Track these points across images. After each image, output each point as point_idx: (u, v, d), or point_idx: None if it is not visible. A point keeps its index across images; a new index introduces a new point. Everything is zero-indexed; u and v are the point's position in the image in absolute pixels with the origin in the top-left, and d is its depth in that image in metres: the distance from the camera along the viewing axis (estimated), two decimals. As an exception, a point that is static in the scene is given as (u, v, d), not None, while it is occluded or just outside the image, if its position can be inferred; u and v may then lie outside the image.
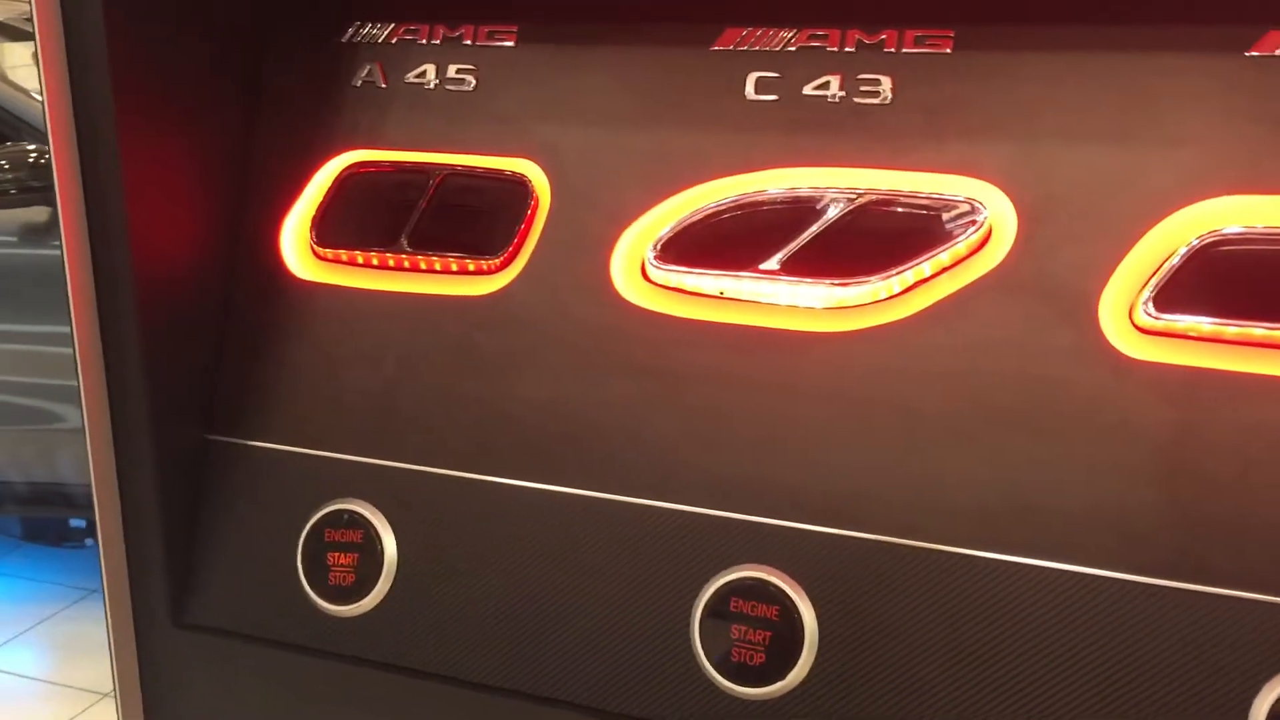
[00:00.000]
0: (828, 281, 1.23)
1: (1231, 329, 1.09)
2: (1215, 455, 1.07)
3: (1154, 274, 1.11)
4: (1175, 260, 1.10)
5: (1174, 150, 1.12)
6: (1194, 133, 1.12)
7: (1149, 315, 1.11)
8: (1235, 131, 1.10)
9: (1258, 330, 1.08)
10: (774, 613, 1.19)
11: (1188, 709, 1.05)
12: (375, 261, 1.41)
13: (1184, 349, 1.11)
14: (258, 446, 1.42)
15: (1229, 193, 1.10)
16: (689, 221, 1.28)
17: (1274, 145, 1.09)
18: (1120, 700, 1.07)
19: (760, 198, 1.27)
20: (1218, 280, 1.10)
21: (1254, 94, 1.10)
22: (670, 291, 1.29)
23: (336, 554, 1.35)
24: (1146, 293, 1.11)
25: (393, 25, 1.43)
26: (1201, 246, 1.10)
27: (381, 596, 1.34)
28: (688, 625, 1.21)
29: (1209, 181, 1.11)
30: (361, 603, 1.34)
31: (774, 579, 1.19)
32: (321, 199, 1.44)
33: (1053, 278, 1.15)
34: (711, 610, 1.20)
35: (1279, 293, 1.08)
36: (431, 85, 1.41)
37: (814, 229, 1.24)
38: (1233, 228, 1.10)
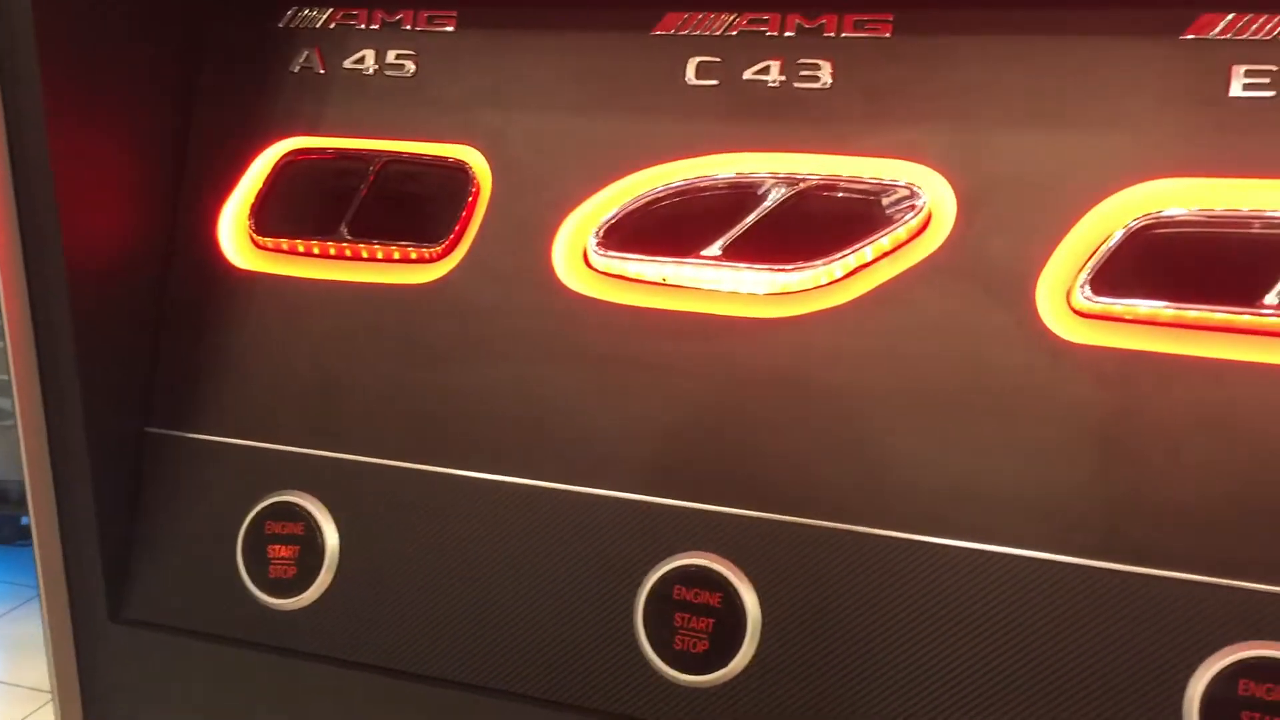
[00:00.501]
0: (770, 267, 1.23)
1: (1167, 311, 1.10)
2: (1149, 437, 1.08)
3: (1090, 257, 1.12)
4: (1111, 244, 1.11)
5: (1110, 134, 1.12)
6: (1129, 117, 1.12)
7: (1086, 298, 1.11)
8: (1170, 115, 1.11)
9: (1192, 312, 1.09)
10: (717, 600, 1.18)
11: (1126, 687, 1.06)
12: (316, 250, 1.40)
13: (1120, 331, 1.11)
14: (197, 439, 1.40)
15: (1164, 176, 1.11)
16: (631, 208, 1.28)
17: (1208, 128, 1.10)
18: (1059, 679, 1.08)
19: (702, 184, 1.26)
20: (1153, 263, 1.11)
21: (1188, 77, 1.10)
22: (613, 278, 1.28)
23: (277, 546, 1.33)
24: (1083, 276, 1.12)
25: (330, 10, 1.41)
26: (1137, 229, 1.10)
27: (323, 589, 1.32)
28: (631, 613, 1.21)
29: (1144, 165, 1.11)
30: (303, 595, 1.32)
31: (717, 566, 1.19)
32: (260, 187, 1.42)
33: (991, 261, 1.15)
34: (655, 598, 1.20)
35: (1213, 275, 1.09)
36: (370, 71, 1.39)
37: (755, 214, 1.24)
38: (1167, 211, 1.10)
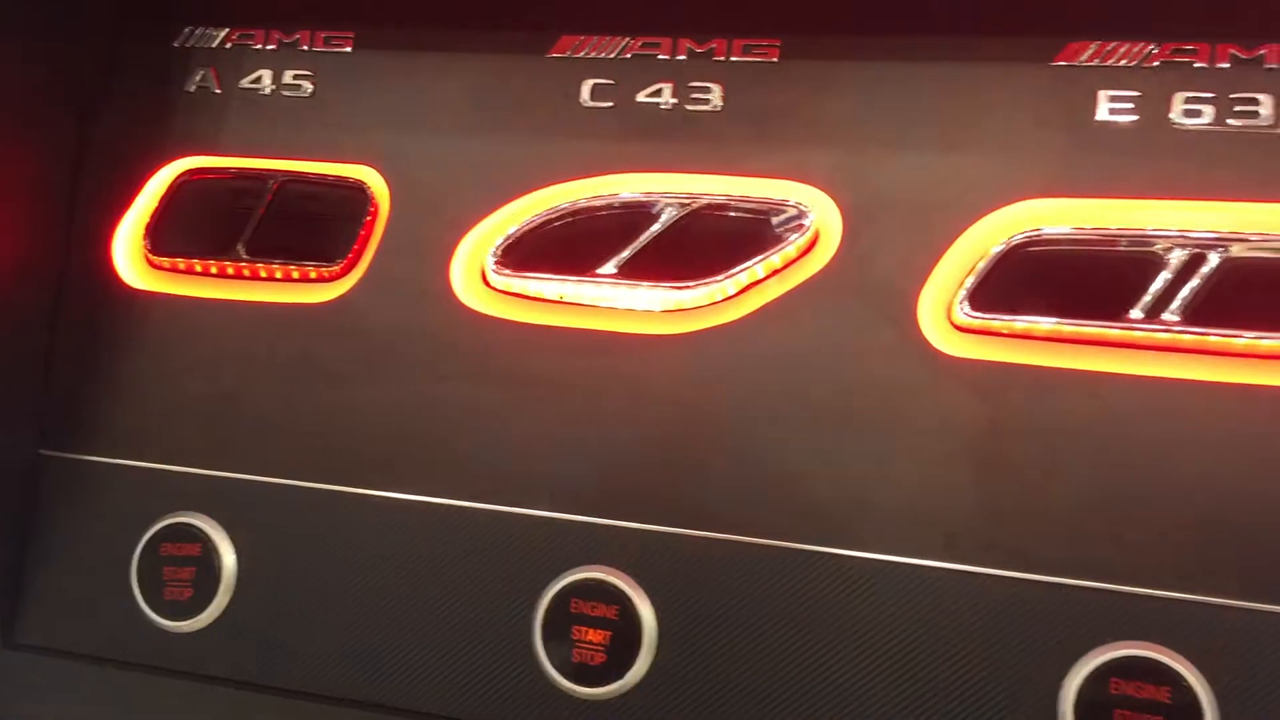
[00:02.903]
0: (664, 285, 1.25)
1: (1042, 326, 1.14)
2: (1026, 446, 1.12)
3: (968, 274, 1.16)
4: (987, 261, 1.15)
5: (985, 156, 1.17)
6: (1004, 140, 1.17)
7: (965, 314, 1.15)
8: (1041, 138, 1.16)
9: (1066, 326, 1.14)
10: (614, 612, 1.20)
11: (1005, 689, 1.09)
12: (214, 270, 1.39)
13: (998, 346, 1.16)
14: (91, 461, 1.38)
15: (1037, 196, 1.16)
16: (527, 227, 1.29)
17: (1076, 151, 1.15)
18: (942, 683, 1.11)
19: (597, 203, 1.28)
20: (1028, 279, 1.15)
21: (1057, 102, 1.16)
22: (510, 297, 1.30)
23: (173, 568, 1.32)
24: (962, 292, 1.16)
25: (226, 30, 1.41)
26: (1011, 248, 1.15)
27: (220, 610, 1.31)
28: (529, 628, 1.22)
29: (1018, 186, 1.16)
30: (199, 617, 1.31)
31: (613, 579, 1.21)
32: (155, 206, 1.41)
33: (875, 279, 1.19)
34: (552, 612, 1.21)
35: (1084, 290, 1.14)
36: (267, 91, 1.39)
37: (649, 234, 1.26)
38: (1041, 229, 1.15)
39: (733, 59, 1.26)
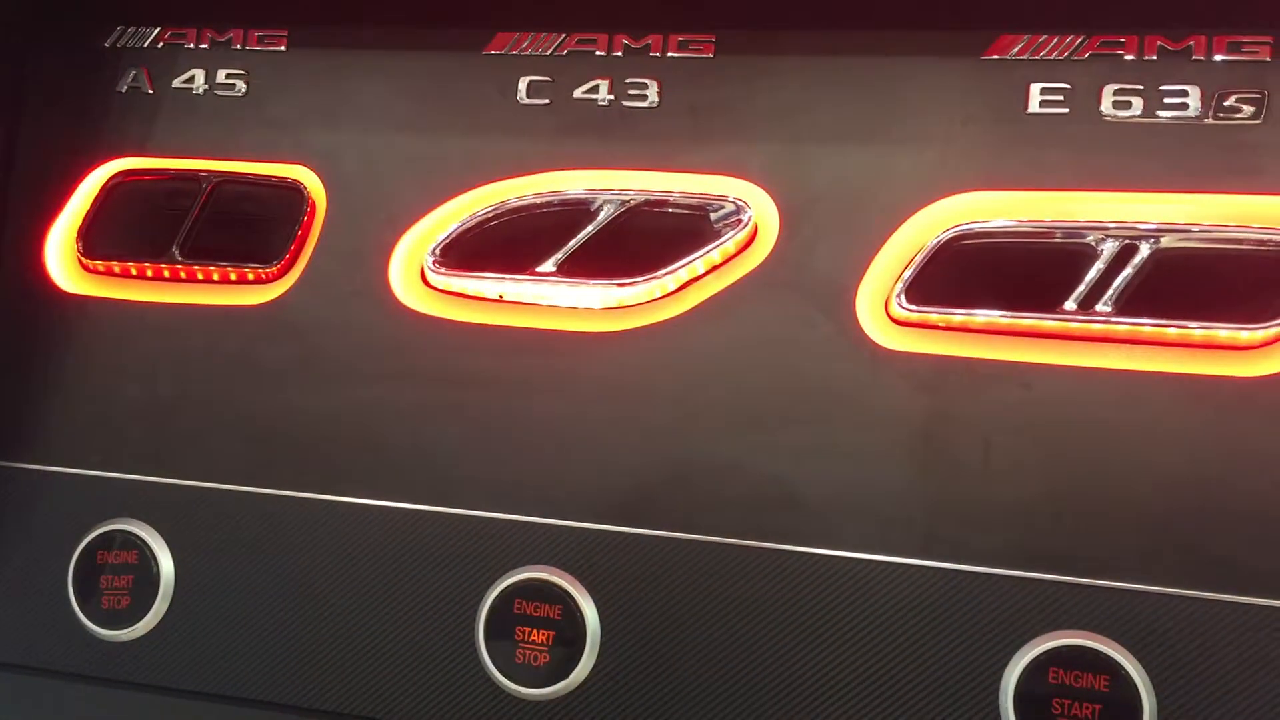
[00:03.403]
0: (604, 282, 1.25)
1: (979, 318, 1.15)
2: (963, 438, 1.13)
3: (905, 268, 1.16)
4: (923, 255, 1.15)
5: (920, 150, 1.17)
6: (938, 133, 1.17)
7: (902, 307, 1.16)
8: (974, 131, 1.16)
9: (1002, 319, 1.14)
10: (557, 612, 1.19)
11: (946, 680, 1.10)
12: (149, 273, 1.37)
13: (935, 338, 1.16)
14: (24, 468, 1.35)
15: (971, 190, 1.16)
16: (466, 226, 1.28)
17: (1009, 144, 1.15)
18: (886, 676, 1.11)
19: (535, 201, 1.28)
20: (965, 272, 1.16)
21: (990, 95, 1.16)
22: (450, 296, 1.29)
23: (110, 577, 1.30)
24: (899, 286, 1.16)
25: (158, 29, 1.39)
26: (947, 241, 1.15)
27: (159, 618, 1.29)
28: (473, 630, 1.21)
29: (952, 179, 1.16)
30: (137, 626, 1.29)
31: (556, 579, 1.20)
32: (88, 209, 1.39)
33: (813, 273, 1.19)
34: (495, 613, 1.20)
35: (1020, 283, 1.14)
36: (200, 91, 1.37)
37: (588, 231, 1.26)
38: (975, 222, 1.15)
39: (669, 55, 1.25)
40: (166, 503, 1.31)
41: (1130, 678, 1.05)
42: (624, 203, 1.25)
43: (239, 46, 1.37)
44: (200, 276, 1.36)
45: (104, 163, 1.39)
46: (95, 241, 1.38)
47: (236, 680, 1.27)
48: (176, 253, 1.36)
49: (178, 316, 1.34)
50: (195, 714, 1.28)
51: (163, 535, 1.30)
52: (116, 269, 1.38)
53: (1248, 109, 1.11)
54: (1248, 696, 1.04)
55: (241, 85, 1.37)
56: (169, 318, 1.35)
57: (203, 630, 1.28)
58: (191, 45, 1.38)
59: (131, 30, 1.40)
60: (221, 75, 1.37)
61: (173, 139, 1.38)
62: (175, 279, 1.36)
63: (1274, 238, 1.09)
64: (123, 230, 1.38)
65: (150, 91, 1.39)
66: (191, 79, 1.38)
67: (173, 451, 1.32)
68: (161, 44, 1.39)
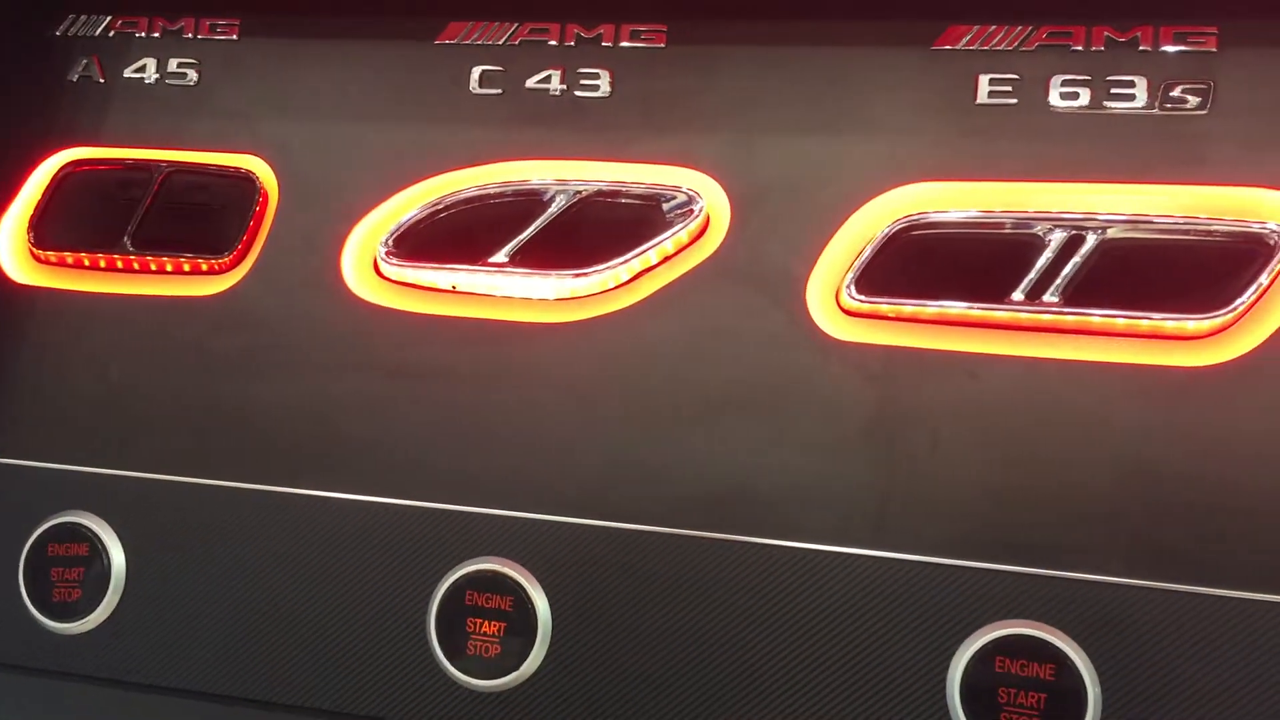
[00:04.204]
0: (558, 272, 1.24)
1: (930, 309, 1.15)
2: (913, 429, 1.13)
3: (856, 258, 1.16)
4: (873, 245, 1.16)
5: (870, 140, 1.17)
6: (887, 123, 1.17)
7: (852, 298, 1.16)
8: (923, 122, 1.16)
9: (952, 309, 1.14)
10: (508, 604, 1.19)
11: (897, 669, 1.10)
12: (101, 264, 1.36)
13: (886, 329, 1.16)
14: (-26, 461, 1.35)
15: (921, 180, 1.16)
16: (419, 216, 1.28)
17: (958, 134, 1.15)
18: (835, 665, 1.11)
19: (488, 191, 1.27)
20: (915, 263, 1.16)
21: (939, 86, 1.16)
22: (403, 287, 1.29)
23: (60, 569, 1.29)
24: (850, 276, 1.16)
25: (109, 18, 1.38)
26: (896, 231, 1.15)
27: (110, 611, 1.28)
28: (425, 621, 1.21)
29: (902, 169, 1.16)
30: (88, 618, 1.28)
31: (508, 570, 1.20)
32: (39, 199, 1.38)
33: (764, 264, 1.19)
34: (447, 604, 1.20)
35: (970, 273, 1.14)
36: (152, 80, 1.37)
37: (541, 221, 1.25)
38: (925, 213, 1.15)
39: (621, 45, 1.25)
40: (118, 495, 1.30)
41: (1076, 667, 1.05)
42: (577, 193, 1.25)
43: (191, 35, 1.36)
44: (153, 267, 1.35)
45: (55, 152, 1.38)
46: (46, 232, 1.37)
47: (188, 673, 1.26)
48: (128, 243, 1.35)
49: (129, 307, 1.33)
50: (147, 707, 1.27)
51: (114, 527, 1.29)
52: (69, 259, 1.37)
53: (1194, 100, 1.11)
54: (1193, 686, 1.04)
55: (193, 74, 1.36)
56: (121, 309, 1.34)
57: (155, 623, 1.27)
58: (143, 34, 1.37)
59: (82, 18, 1.39)
60: (173, 64, 1.36)
61: (124, 128, 1.37)
62: (127, 270, 1.35)
63: (1220, 228, 1.09)
64: (74, 221, 1.37)
65: (101, 80, 1.38)
66: (143, 68, 1.37)
67: (124, 443, 1.31)
68: (113, 32, 1.38)
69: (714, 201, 1.22)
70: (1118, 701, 1.05)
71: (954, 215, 1.15)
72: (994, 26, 1.15)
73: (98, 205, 1.36)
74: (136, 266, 1.35)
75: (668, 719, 1.14)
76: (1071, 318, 1.11)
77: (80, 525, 1.30)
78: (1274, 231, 1.08)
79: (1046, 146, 1.13)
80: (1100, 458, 1.09)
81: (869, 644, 1.11)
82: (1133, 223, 1.11)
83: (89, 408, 1.33)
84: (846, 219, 1.17)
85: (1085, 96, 1.13)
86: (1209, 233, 1.10)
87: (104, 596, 1.28)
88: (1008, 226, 1.14)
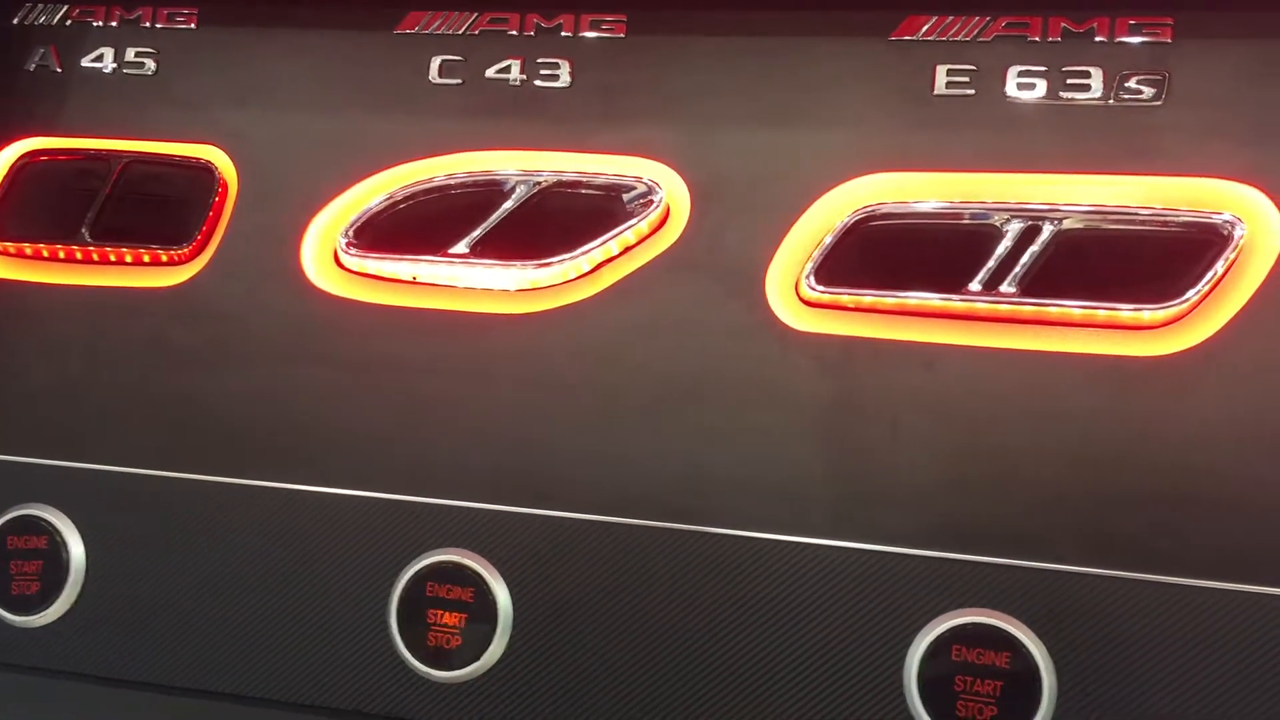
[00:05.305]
0: (519, 263, 1.24)
1: (889, 299, 1.15)
2: (871, 419, 1.13)
3: (815, 248, 1.16)
4: (832, 236, 1.16)
5: (829, 131, 1.17)
6: (846, 114, 1.17)
7: (812, 288, 1.16)
8: (882, 112, 1.17)
9: (911, 300, 1.15)
10: (469, 594, 1.19)
11: (855, 659, 1.10)
12: (61, 254, 1.35)
13: (845, 319, 1.16)
14: (-69, 454, 1.34)
15: (880, 170, 1.16)
16: (379, 207, 1.27)
17: (916, 125, 1.15)
18: (793, 654, 1.11)
19: (448, 182, 1.27)
20: (874, 253, 1.16)
21: (897, 76, 1.16)
22: (363, 278, 1.28)
23: (19, 562, 1.28)
24: (809, 266, 1.16)
25: (66, 7, 1.37)
26: (855, 222, 1.15)
27: (70, 603, 1.27)
28: (385, 613, 1.20)
29: (861, 160, 1.17)
30: (47, 611, 1.27)
31: (469, 561, 1.19)
32: (-4, 190, 1.37)
33: (724, 254, 1.19)
34: (409, 596, 1.20)
35: (927, 263, 1.15)
36: (110, 70, 1.35)
37: (501, 212, 1.25)
38: (883, 203, 1.16)
39: (580, 34, 1.25)
40: (77, 488, 1.29)
41: (1031, 655, 1.06)
42: (537, 184, 1.25)
43: (148, 24, 1.35)
44: (112, 258, 1.34)
45: (12, 142, 1.37)
46: (4, 223, 1.36)
47: (148, 666, 1.26)
48: (86, 234, 1.34)
49: (88, 299, 1.33)
50: (106, 700, 1.27)
51: (73, 520, 1.28)
52: (27, 250, 1.36)
53: (1149, 91, 1.11)
54: (1147, 673, 1.05)
55: (151, 64, 1.35)
56: (79, 300, 1.33)
57: (114, 615, 1.27)
58: (100, 23, 1.36)
59: (40, 7, 1.38)
60: (131, 54, 1.35)
61: (82, 118, 1.36)
62: (86, 261, 1.35)
63: (1175, 218, 1.10)
64: (32, 211, 1.36)
65: (59, 70, 1.37)
66: (100, 57, 1.36)
67: (83, 435, 1.30)
68: (70, 21, 1.37)
69: (674, 192, 1.22)
70: (1073, 688, 1.05)
71: (912, 206, 1.15)
72: (952, 17, 1.15)
73: (56, 196, 1.35)
74: (96, 258, 1.34)
75: (628, 708, 1.14)
76: (1029, 308, 1.11)
77: (39, 518, 1.29)
78: (1228, 221, 1.09)
79: (1004, 137, 1.13)
80: (1057, 447, 1.10)
81: (827, 634, 1.11)
82: (1089, 213, 1.11)
83: (47, 400, 1.32)
84: (805, 209, 1.17)
85: (1042, 87, 1.13)
86: (1164, 223, 1.10)
87: (63, 590, 1.28)
88: (966, 217, 1.14)
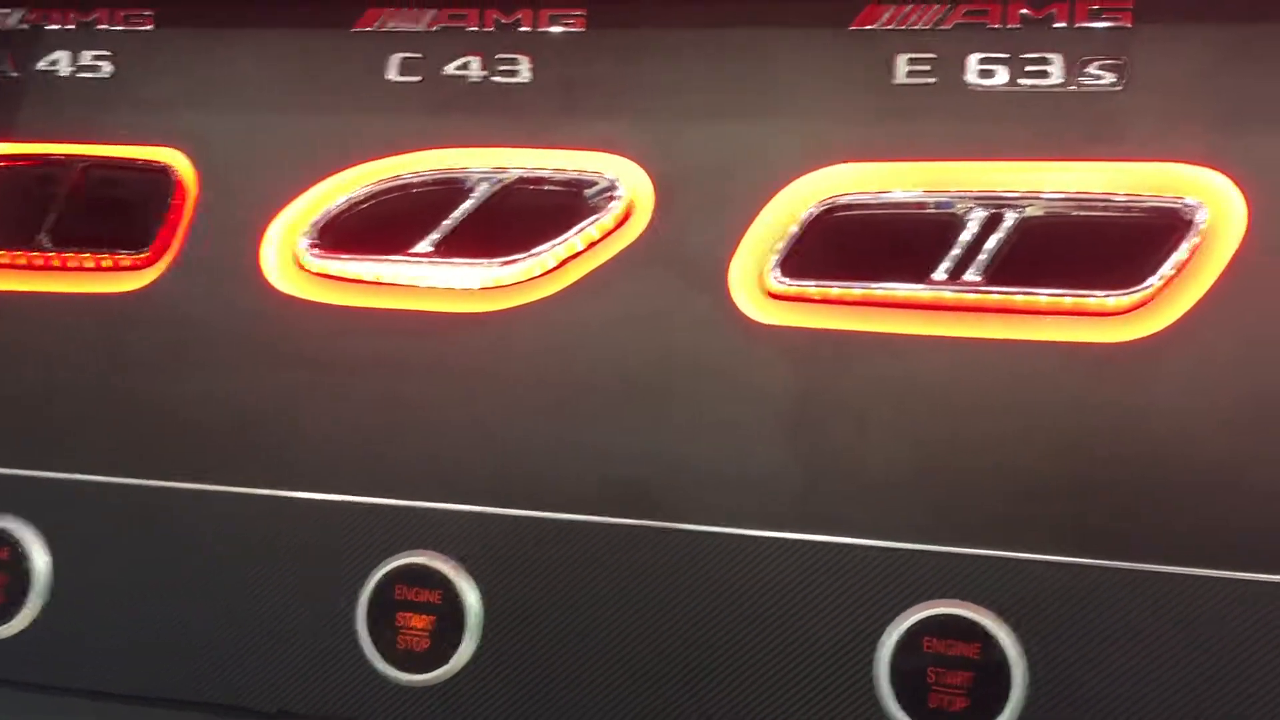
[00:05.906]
0: (482, 261, 1.23)
1: (856, 290, 1.14)
2: (839, 412, 1.12)
3: (779, 241, 1.16)
4: (796, 228, 1.15)
5: (790, 122, 1.17)
6: (807, 105, 1.17)
7: (777, 280, 1.15)
8: (842, 103, 1.16)
9: (877, 291, 1.14)
10: (437, 597, 1.18)
11: (822, 654, 1.09)
12: (23, 261, 1.34)
13: (811, 312, 1.15)
14: (-110, 466, 1.32)
15: (842, 161, 1.16)
16: (339, 208, 1.26)
17: (877, 114, 1.15)
18: (764, 650, 1.11)
19: (409, 181, 1.26)
20: (839, 244, 1.15)
21: (857, 66, 1.16)
22: (325, 279, 1.27)
23: (-18, 574, 1.27)
24: (774, 259, 1.15)
25: (21, 11, 1.36)
26: (819, 213, 1.15)
27: (34, 615, 1.26)
28: (353, 616, 1.19)
29: (823, 151, 1.16)
30: (11, 623, 1.26)
31: (437, 563, 1.18)
32: (-49, 197, 1.35)
33: (688, 248, 1.18)
34: (376, 598, 1.19)
35: (893, 254, 1.14)
36: (66, 73, 1.34)
37: (463, 210, 1.24)
38: (846, 195, 1.15)
39: (540, 30, 1.24)
40: (39, 497, 1.27)
41: (1002, 645, 1.05)
42: (499, 181, 1.24)
43: (104, 27, 1.34)
44: (71, 264, 1.33)
45: (-32, 148, 1.35)
46: (-39, 230, 1.34)
47: (116, 676, 1.24)
48: (45, 240, 1.33)
49: (48, 306, 1.31)
50: (73, 711, 1.25)
51: (36, 530, 1.27)
52: (-16, 258, 1.35)
53: (1109, 76, 1.11)
54: (1118, 663, 1.04)
55: (108, 66, 1.33)
56: (39, 307, 1.31)
57: (81, 627, 1.25)
58: (55, 26, 1.35)
59: (-7, 11, 1.36)
60: (87, 57, 1.34)
61: (39, 123, 1.34)
62: (46, 268, 1.33)
63: (1138, 203, 1.10)
64: (-12, 218, 1.35)
65: (14, 74, 1.35)
66: (56, 61, 1.34)
67: (45, 444, 1.28)
68: (25, 25, 1.35)
69: (637, 186, 1.21)
70: (1044, 678, 1.05)
71: (876, 196, 1.14)
72: (911, 5, 1.15)
73: (13, 201, 1.34)
74: (56, 264, 1.33)
75: (599, 707, 1.13)
76: (995, 296, 1.11)
77: (1, 529, 1.27)
78: (1191, 206, 1.09)
79: (965, 125, 1.13)
80: (1025, 436, 1.09)
81: (797, 627, 1.10)
82: (1052, 200, 1.11)
83: (7, 408, 1.30)
84: (769, 202, 1.16)
85: (1002, 74, 1.13)
86: (1127, 209, 1.10)
87: (27, 601, 1.26)
88: (929, 206, 1.14)
